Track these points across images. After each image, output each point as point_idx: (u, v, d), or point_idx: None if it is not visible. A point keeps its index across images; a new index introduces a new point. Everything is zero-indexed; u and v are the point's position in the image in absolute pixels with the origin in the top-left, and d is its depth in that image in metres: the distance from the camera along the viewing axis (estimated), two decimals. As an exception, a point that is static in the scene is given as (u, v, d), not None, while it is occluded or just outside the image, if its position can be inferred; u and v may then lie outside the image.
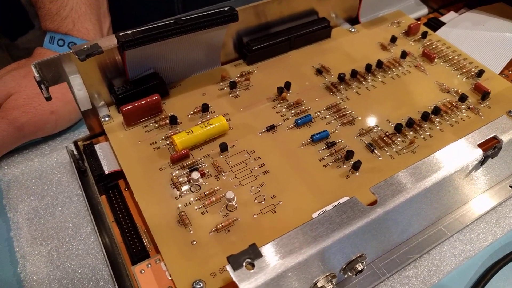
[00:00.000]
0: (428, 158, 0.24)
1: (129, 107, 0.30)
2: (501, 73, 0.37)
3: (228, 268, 0.19)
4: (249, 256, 0.20)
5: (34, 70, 0.27)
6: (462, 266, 0.30)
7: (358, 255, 0.24)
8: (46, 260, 0.30)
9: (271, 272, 0.20)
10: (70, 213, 0.33)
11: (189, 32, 0.30)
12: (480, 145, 0.25)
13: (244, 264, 0.19)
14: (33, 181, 0.35)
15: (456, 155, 0.25)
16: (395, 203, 0.23)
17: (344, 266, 0.25)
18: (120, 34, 0.28)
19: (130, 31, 0.28)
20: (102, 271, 0.29)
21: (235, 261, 0.20)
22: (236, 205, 0.26)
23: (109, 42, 0.29)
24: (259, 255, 0.20)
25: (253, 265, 0.20)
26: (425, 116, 0.31)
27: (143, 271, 0.24)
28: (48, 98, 0.28)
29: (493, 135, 0.26)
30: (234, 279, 0.19)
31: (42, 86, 0.27)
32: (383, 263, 0.29)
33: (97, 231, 0.28)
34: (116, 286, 0.25)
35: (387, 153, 0.29)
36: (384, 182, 0.23)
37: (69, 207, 0.33)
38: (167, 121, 0.31)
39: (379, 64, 0.36)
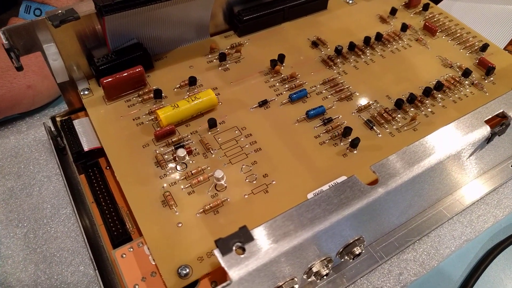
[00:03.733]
0: (433, 134, 0.22)
1: (110, 79, 0.28)
2: (505, 48, 0.36)
3: (216, 252, 0.18)
4: (239, 239, 0.18)
5: (2, 36, 0.25)
6: (462, 249, 0.29)
7: (356, 238, 0.23)
8: (22, 243, 0.28)
9: (263, 257, 0.18)
10: (49, 193, 0.31)
11: (174, -3, 0.27)
12: (487, 122, 0.24)
13: (233, 248, 0.18)
14: (9, 160, 0.33)
15: (462, 131, 0.23)
16: (397, 182, 0.21)
17: (341, 250, 0.23)
18: (99, -2, 0.26)
19: (109, -5, 0.26)
20: (83, 254, 0.28)
21: (224, 245, 0.18)
22: (225, 184, 0.24)
23: (87, 7, 0.27)
24: (250, 238, 0.18)
25: (243, 249, 0.18)
26: (427, 92, 0.29)
27: (124, 256, 0.23)
28: (19, 68, 0.25)
29: (501, 111, 0.24)
30: (222, 264, 0.17)
31: (12, 54, 0.25)
32: (381, 246, 0.27)
33: (76, 212, 0.26)
34: (97, 271, 0.23)
35: (387, 130, 0.28)
36: (386, 160, 0.21)
37: (47, 187, 0.31)
38: (151, 95, 0.29)
39: (378, 37, 0.33)
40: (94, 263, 0.24)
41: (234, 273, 0.17)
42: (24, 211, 0.30)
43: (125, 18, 0.27)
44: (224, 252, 0.18)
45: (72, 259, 0.27)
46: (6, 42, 0.25)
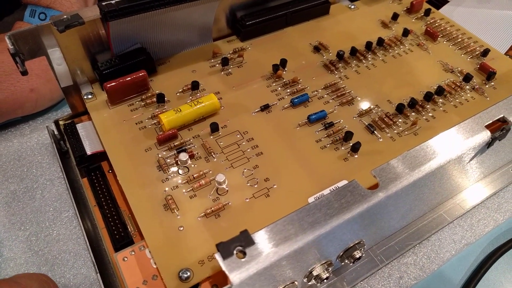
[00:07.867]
0: (433, 139, 0.23)
1: (113, 83, 0.28)
2: (506, 53, 0.36)
3: (217, 256, 0.18)
4: (240, 243, 0.18)
5: (8, 41, 0.25)
6: (462, 252, 0.29)
7: (356, 242, 0.23)
8: (25, 246, 0.28)
9: (264, 261, 0.18)
10: (51, 196, 0.31)
11: (179, 3, 0.27)
12: (487, 126, 0.24)
13: (234, 252, 0.18)
14: (12, 163, 0.33)
15: (463, 136, 0.23)
16: (397, 187, 0.21)
17: (342, 254, 0.23)
18: (103, 3, 0.26)
19: (114, 1, 0.26)
20: (85, 257, 0.28)
21: (225, 249, 0.18)
22: (227, 188, 0.25)
23: (91, 13, 0.27)
24: (251, 242, 0.18)
25: (244, 253, 0.18)
26: (428, 97, 0.30)
27: (126, 259, 0.23)
28: (24, 73, 0.26)
29: (501, 116, 0.24)
30: (223, 268, 0.17)
31: (17, 59, 0.25)
32: (381, 250, 0.27)
33: (78, 215, 0.26)
34: (98, 274, 0.24)
35: (388, 134, 0.28)
36: (387, 164, 0.21)
37: (50, 191, 0.31)
38: (154, 99, 0.29)
39: (380, 42, 0.34)
40: (96, 266, 0.24)
41: (235, 277, 0.17)
42: (27, 214, 0.30)
43: (129, 23, 0.28)
44: (225, 256, 0.18)
45: (74, 262, 0.28)
46: (12, 47, 0.25)
